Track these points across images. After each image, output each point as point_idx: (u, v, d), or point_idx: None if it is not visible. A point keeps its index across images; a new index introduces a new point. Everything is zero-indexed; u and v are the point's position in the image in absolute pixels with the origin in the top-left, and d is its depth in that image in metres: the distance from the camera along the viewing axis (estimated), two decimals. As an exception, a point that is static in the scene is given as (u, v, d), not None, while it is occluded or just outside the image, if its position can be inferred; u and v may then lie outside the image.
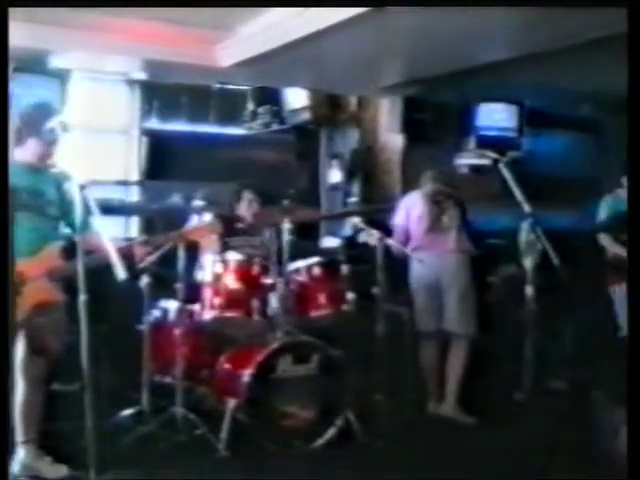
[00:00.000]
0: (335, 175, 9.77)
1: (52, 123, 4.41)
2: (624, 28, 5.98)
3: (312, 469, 5.05)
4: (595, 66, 7.73)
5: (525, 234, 5.33)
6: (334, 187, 9.80)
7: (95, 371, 4.02)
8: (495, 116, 9.05)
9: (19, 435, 4.67)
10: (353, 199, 9.36)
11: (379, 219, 6.42)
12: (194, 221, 5.68)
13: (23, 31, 5.87)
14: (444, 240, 6.32)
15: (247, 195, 6.32)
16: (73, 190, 4.11)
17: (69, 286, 4.36)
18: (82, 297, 4.00)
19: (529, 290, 5.23)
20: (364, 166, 9.46)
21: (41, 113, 4.65)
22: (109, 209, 6.87)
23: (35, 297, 4.49)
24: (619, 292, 6.35)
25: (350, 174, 9.52)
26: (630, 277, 3.30)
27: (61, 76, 7.63)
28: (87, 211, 4.09)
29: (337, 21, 6.03)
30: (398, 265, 6.00)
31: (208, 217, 5.58)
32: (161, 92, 9.08)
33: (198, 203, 5.86)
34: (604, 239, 6.52)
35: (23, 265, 4.38)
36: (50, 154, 4.68)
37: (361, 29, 6.18)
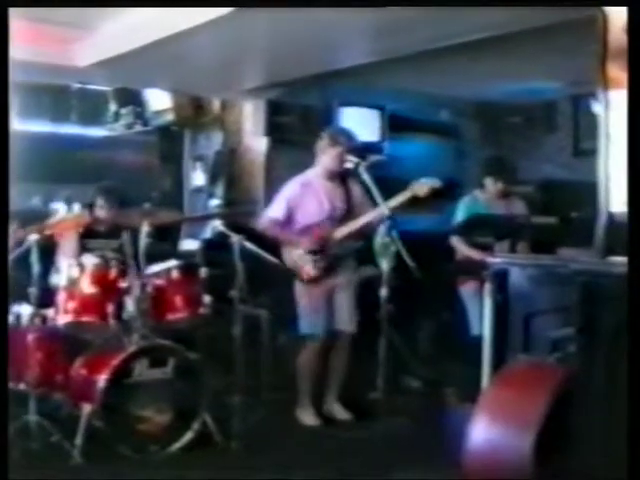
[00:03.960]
0: (199, 177, 9.72)
1: None
2: (483, 34, 6.20)
3: (169, 473, 5.04)
4: (453, 72, 7.93)
5: (380, 236, 5.42)
6: (197, 189, 9.76)
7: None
8: (357, 120, 9.14)
9: None
10: (216, 201, 9.34)
11: (241, 222, 6.40)
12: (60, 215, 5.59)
13: None
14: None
15: (102, 197, 6.26)
16: None
17: None
18: None
19: (384, 291, 5.33)
20: (227, 169, 9.43)
21: None
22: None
23: None
24: (468, 291, 6.47)
25: (213, 176, 9.48)
26: (630, 276, 3.35)
27: None
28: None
29: (198, 23, 5.99)
30: (257, 268, 6.01)
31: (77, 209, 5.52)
32: (21, 91, 8.86)
33: (58, 205, 5.79)
34: (455, 240, 6.63)
35: None
36: None
37: (222, 31, 6.16)
